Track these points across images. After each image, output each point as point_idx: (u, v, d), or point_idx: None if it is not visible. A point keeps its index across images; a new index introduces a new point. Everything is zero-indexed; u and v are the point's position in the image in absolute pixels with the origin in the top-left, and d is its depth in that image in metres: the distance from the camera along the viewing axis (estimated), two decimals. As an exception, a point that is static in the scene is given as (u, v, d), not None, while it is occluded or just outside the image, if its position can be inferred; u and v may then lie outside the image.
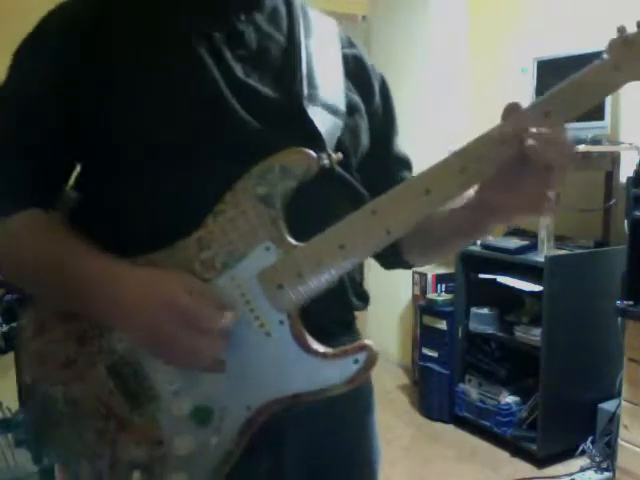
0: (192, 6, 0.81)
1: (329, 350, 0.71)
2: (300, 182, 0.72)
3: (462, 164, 0.70)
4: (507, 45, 3.37)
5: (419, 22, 3.68)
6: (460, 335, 3.10)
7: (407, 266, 0.98)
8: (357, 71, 0.92)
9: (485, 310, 3.01)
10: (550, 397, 2.72)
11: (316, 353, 0.71)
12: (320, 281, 0.71)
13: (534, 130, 0.68)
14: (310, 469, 0.83)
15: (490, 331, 2.99)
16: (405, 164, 1.00)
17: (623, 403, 2.41)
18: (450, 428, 3.13)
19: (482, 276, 2.97)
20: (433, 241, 0.90)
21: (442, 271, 3.45)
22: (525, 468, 2.73)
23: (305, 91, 0.80)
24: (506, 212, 0.74)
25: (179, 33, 0.78)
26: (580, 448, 2.72)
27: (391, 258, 0.95)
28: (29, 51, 0.80)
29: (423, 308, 3.32)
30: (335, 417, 0.83)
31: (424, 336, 3.30)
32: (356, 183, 0.87)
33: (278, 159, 0.72)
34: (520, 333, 2.85)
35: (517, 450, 2.83)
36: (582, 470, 2.64)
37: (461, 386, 3.10)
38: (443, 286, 3.39)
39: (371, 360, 0.70)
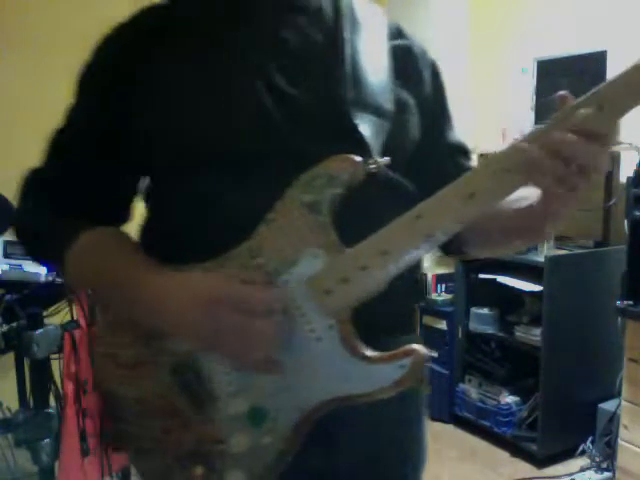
0: (234, 16, 0.82)
1: (376, 354, 0.73)
2: (347, 188, 0.73)
3: (505, 166, 0.69)
4: (507, 45, 3.37)
5: (419, 22, 3.68)
6: (460, 335, 3.10)
7: (464, 256, 0.96)
8: (406, 64, 0.90)
9: (485, 310, 3.01)
10: (550, 397, 2.72)
11: (364, 357, 0.72)
12: (366, 286, 0.72)
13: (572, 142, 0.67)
14: (362, 465, 0.85)
15: (490, 331, 2.99)
16: (461, 151, 0.98)
17: (623, 403, 2.41)
18: (450, 428, 3.13)
19: (482, 276, 2.97)
20: (491, 240, 0.89)
21: (442, 271, 3.45)
22: (525, 468, 2.74)
23: (350, 95, 0.80)
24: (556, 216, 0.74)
25: (222, 48, 0.80)
26: (580, 448, 2.72)
27: (450, 246, 0.92)
28: (89, 74, 0.86)
29: (423, 308, 3.32)
30: (385, 416, 0.84)
31: (424, 336, 3.30)
32: (405, 183, 0.86)
33: (324, 167, 0.73)
34: (520, 333, 2.85)
35: (517, 450, 2.83)
36: (582, 470, 2.64)
37: (461, 386, 3.10)
38: (443, 286, 3.39)
39: (418, 364, 0.71)
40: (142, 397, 0.79)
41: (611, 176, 2.81)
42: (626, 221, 2.43)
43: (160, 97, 0.79)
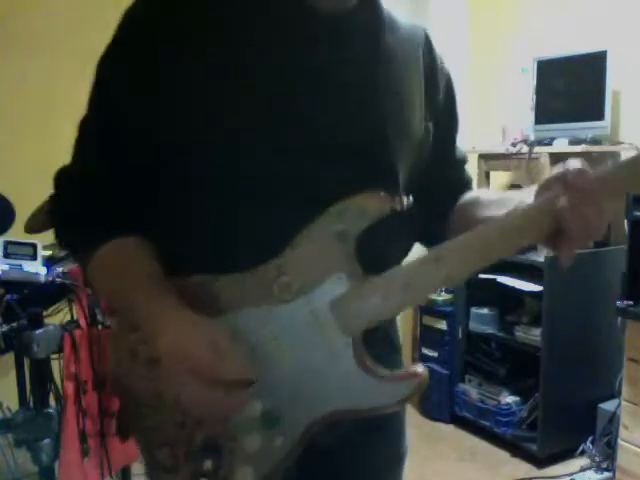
0: (275, 37, 0.80)
1: (387, 373, 0.78)
2: (374, 221, 0.78)
3: (521, 224, 0.77)
4: (507, 45, 3.37)
5: (419, 22, 3.68)
6: (460, 335, 3.11)
7: None
8: (431, 81, 0.91)
9: (485, 310, 3.02)
10: (550, 397, 2.72)
11: (375, 375, 0.78)
12: (383, 313, 0.79)
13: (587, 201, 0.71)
14: (350, 441, 0.88)
15: (490, 331, 2.99)
16: (462, 164, 1.02)
17: (623, 403, 2.41)
18: (450, 428, 3.13)
19: (482, 276, 2.97)
20: None
21: (442, 271, 3.45)
22: (525, 468, 2.74)
23: (391, 131, 0.82)
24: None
25: (259, 57, 0.79)
26: (580, 448, 2.72)
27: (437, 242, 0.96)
28: (107, 72, 0.83)
29: (423, 308, 3.32)
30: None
31: (424, 336, 3.30)
32: (411, 208, 0.88)
33: (356, 201, 0.78)
34: (520, 333, 2.85)
35: (517, 450, 2.83)
36: (582, 470, 2.65)
37: (461, 386, 3.10)
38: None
39: (421, 386, 0.77)
40: (159, 392, 0.81)
41: (611, 176, 2.82)
42: (626, 221, 2.43)
43: (194, 107, 0.79)
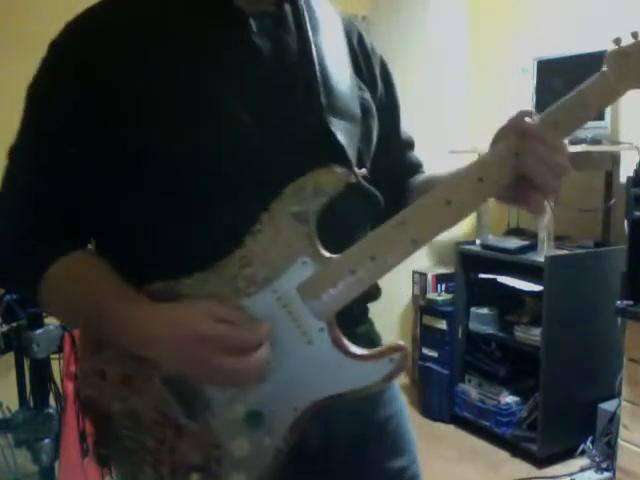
0: (207, 26, 0.80)
1: (366, 352, 0.77)
2: (331, 198, 0.77)
3: (479, 175, 0.76)
4: (507, 45, 3.37)
5: (419, 22, 3.68)
6: (460, 335, 3.10)
7: None
8: (362, 60, 0.91)
9: (485, 310, 3.02)
10: (550, 397, 2.72)
11: (354, 356, 0.76)
12: (355, 290, 0.76)
13: (541, 144, 0.74)
14: (351, 443, 0.87)
15: (490, 331, 2.99)
16: (409, 145, 1.02)
17: (623, 403, 2.41)
18: (450, 428, 3.13)
19: (482, 276, 2.98)
20: None
21: (442, 271, 3.45)
22: (525, 468, 2.74)
23: (324, 102, 0.81)
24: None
25: (196, 58, 0.78)
26: (580, 448, 2.72)
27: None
28: (42, 91, 0.82)
29: (423, 308, 3.32)
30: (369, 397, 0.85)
31: (424, 336, 3.30)
32: (372, 189, 0.87)
33: (309, 178, 0.76)
34: (520, 333, 2.85)
35: (517, 450, 2.83)
36: (582, 470, 2.64)
37: (461, 386, 3.10)
38: (443, 286, 3.39)
39: (404, 359, 0.76)
40: (135, 410, 0.79)
41: (611, 176, 2.82)
42: (626, 221, 2.43)
43: (132, 117, 0.77)
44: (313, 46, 0.84)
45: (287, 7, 0.85)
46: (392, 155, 0.97)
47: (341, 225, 0.79)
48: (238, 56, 0.80)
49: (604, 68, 0.78)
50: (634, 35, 0.79)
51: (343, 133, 0.81)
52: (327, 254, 0.76)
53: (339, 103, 0.83)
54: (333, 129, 0.80)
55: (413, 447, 0.96)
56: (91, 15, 0.81)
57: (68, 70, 0.78)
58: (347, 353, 0.76)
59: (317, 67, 0.82)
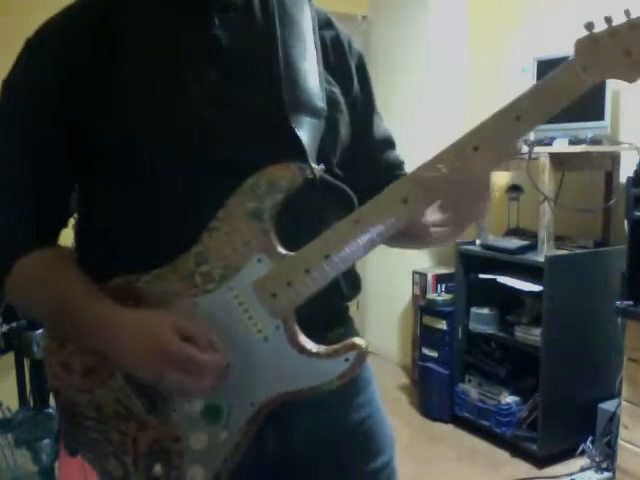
0: (171, 20, 0.81)
1: (322, 350, 0.77)
2: (287, 195, 0.76)
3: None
4: (507, 45, 3.37)
5: (419, 22, 3.68)
6: (460, 335, 3.10)
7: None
8: (335, 56, 0.91)
9: (485, 310, 3.01)
10: (550, 397, 2.72)
11: (310, 353, 0.77)
12: (309, 288, 0.76)
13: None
14: (318, 447, 0.87)
15: (490, 331, 2.99)
16: (388, 144, 1.00)
17: (623, 403, 2.41)
18: (450, 428, 3.13)
19: (482, 276, 2.97)
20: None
21: (442, 271, 3.45)
22: (525, 468, 2.74)
23: (286, 96, 0.81)
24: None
25: (159, 49, 0.79)
26: (580, 448, 2.72)
27: None
28: (20, 77, 0.83)
29: (423, 308, 3.32)
30: (336, 401, 0.86)
31: (424, 336, 3.30)
32: (340, 184, 0.87)
33: (264, 175, 0.76)
34: (520, 333, 2.85)
35: (517, 450, 2.83)
36: (582, 470, 2.64)
37: (461, 386, 3.10)
38: (443, 286, 3.39)
39: (360, 358, 0.77)
40: (98, 403, 0.81)
41: (611, 176, 2.82)
42: (626, 221, 2.42)
43: (96, 102, 0.78)
44: (279, 40, 0.83)
45: (256, 0, 0.86)
46: (368, 153, 0.97)
47: (307, 222, 0.79)
48: (200, 51, 0.80)
49: (572, 57, 0.75)
50: (607, 20, 0.74)
51: (304, 128, 0.81)
52: (283, 251, 0.76)
53: (303, 97, 0.82)
54: (293, 124, 0.80)
55: (389, 447, 0.95)
56: (67, 9, 0.84)
57: (42, 59, 0.81)
58: (303, 351, 0.77)
59: (281, 61, 0.82)
